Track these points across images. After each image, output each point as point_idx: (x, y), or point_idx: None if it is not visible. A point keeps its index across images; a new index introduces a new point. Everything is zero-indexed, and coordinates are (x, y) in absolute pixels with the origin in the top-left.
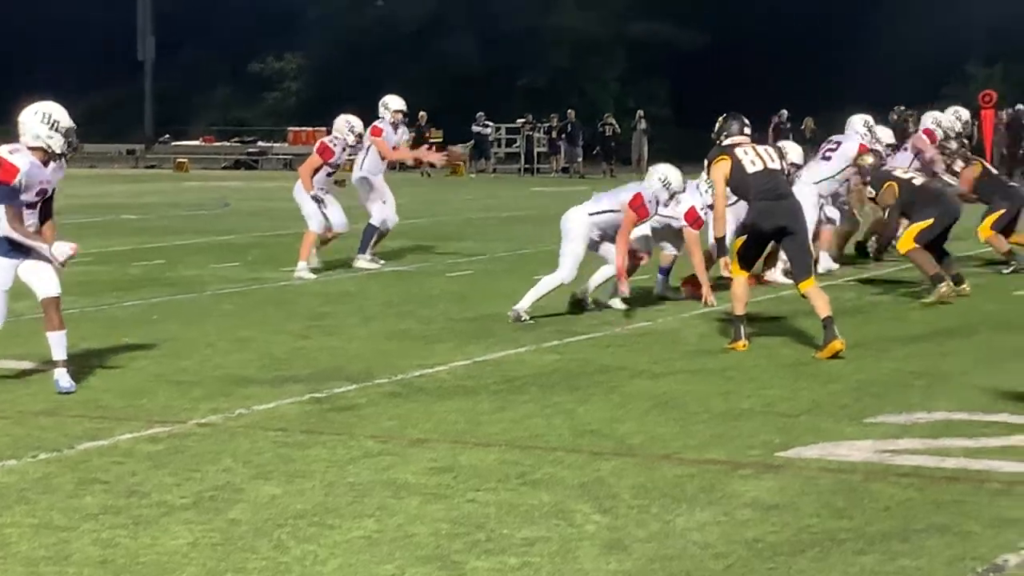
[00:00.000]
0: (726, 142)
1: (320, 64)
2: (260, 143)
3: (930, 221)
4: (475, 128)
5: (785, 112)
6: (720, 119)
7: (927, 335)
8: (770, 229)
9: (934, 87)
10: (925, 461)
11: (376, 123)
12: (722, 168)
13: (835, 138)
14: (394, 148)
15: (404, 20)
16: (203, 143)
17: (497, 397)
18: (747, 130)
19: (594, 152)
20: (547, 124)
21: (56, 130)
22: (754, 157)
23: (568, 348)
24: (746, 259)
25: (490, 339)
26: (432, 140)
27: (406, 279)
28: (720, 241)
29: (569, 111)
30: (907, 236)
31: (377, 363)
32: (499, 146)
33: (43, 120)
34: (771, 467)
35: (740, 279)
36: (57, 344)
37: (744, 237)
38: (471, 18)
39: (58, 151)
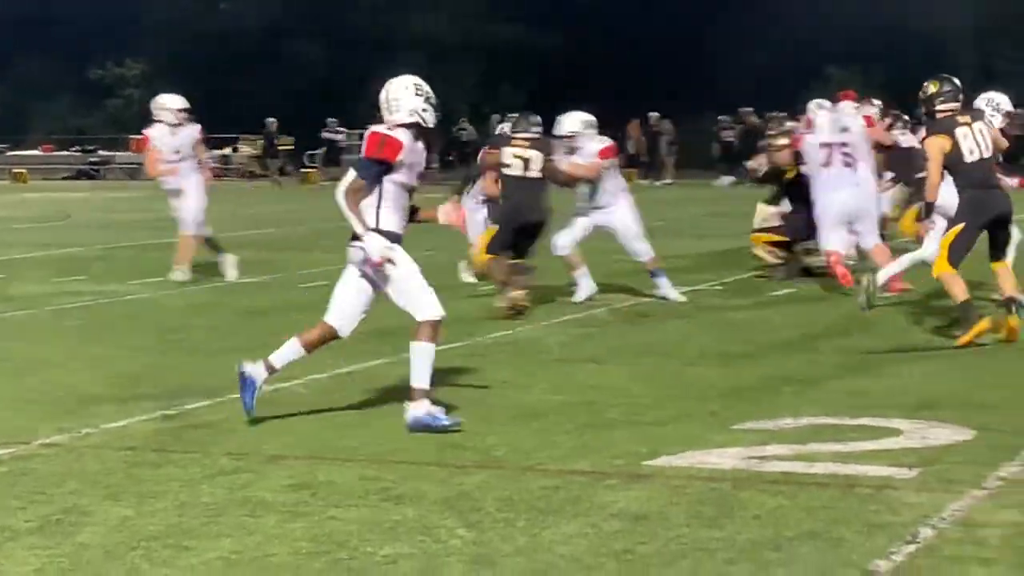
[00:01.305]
0: None
1: (163, 70)
2: (102, 152)
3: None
4: (326, 135)
5: (656, 114)
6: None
7: (795, 340)
8: None
9: (794, 89)
10: (794, 467)
11: (149, 128)
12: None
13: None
14: (176, 152)
15: (251, 25)
16: (42, 152)
17: (357, 410)
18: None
19: (449, 157)
20: None
21: (429, 102)
22: None
23: None
24: None
25: (349, 351)
26: (283, 147)
27: (260, 291)
28: None
29: None
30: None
31: (232, 378)
32: (352, 153)
33: (417, 92)
34: (638, 476)
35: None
36: None
37: None
38: (320, 23)
39: (431, 125)
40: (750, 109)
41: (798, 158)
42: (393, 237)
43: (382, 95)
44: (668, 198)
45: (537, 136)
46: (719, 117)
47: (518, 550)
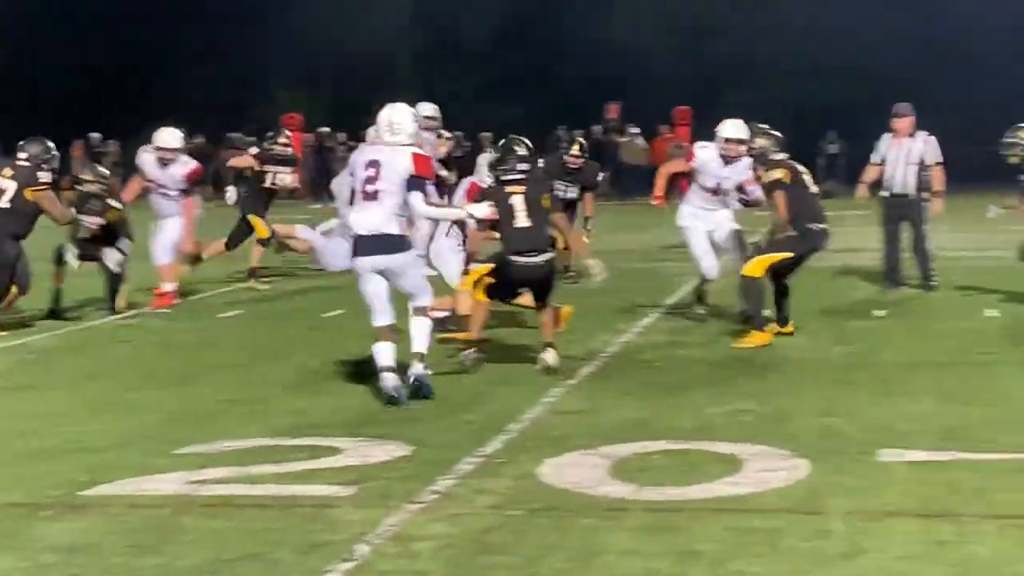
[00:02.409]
0: None
1: None
2: None
3: None
4: None
5: (98, 135)
6: None
7: (240, 362)
8: None
9: (240, 110)
10: (235, 490)
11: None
12: None
13: None
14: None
15: None
16: None
17: None
18: None
19: None
20: None
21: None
22: None
23: None
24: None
25: None
26: None
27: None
28: None
29: None
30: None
31: None
32: None
33: (414, 119)
34: (74, 507)
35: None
36: None
37: None
38: None
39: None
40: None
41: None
42: None
43: None
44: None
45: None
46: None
47: None
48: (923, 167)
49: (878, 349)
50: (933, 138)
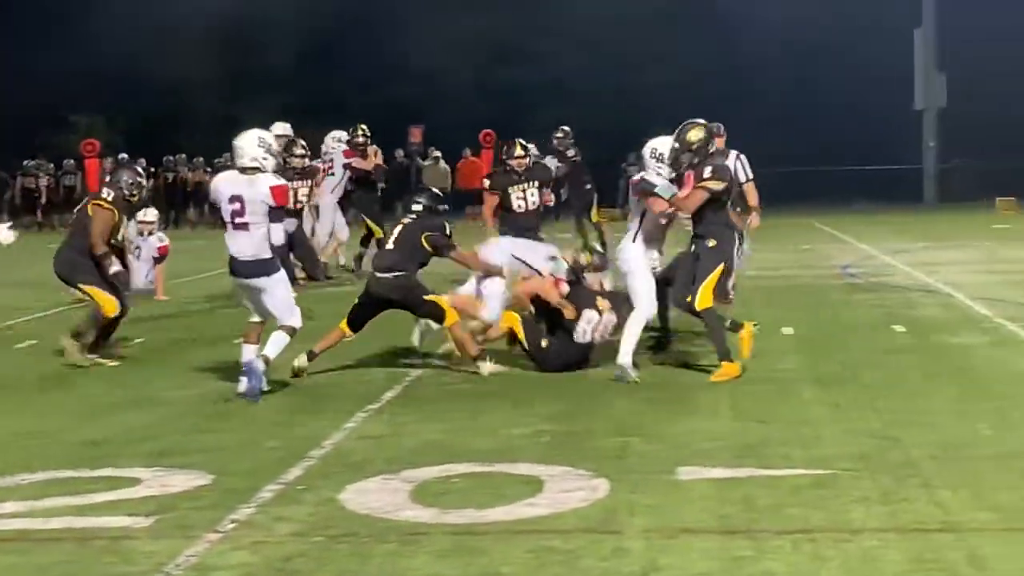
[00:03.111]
0: None
1: None
2: None
3: None
4: None
5: None
6: None
7: (24, 393)
8: None
9: (32, 136)
10: (29, 524)
11: None
12: None
13: None
14: None
15: None
16: None
17: None
18: None
19: None
20: None
21: (270, 153)
22: None
23: None
24: None
25: None
26: None
27: None
28: None
29: None
30: None
31: None
32: None
33: (260, 144)
34: None
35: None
36: None
37: None
38: None
39: (271, 171)
40: None
41: None
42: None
43: None
44: None
45: None
46: None
47: None
48: (736, 184)
49: (678, 368)
50: (744, 156)
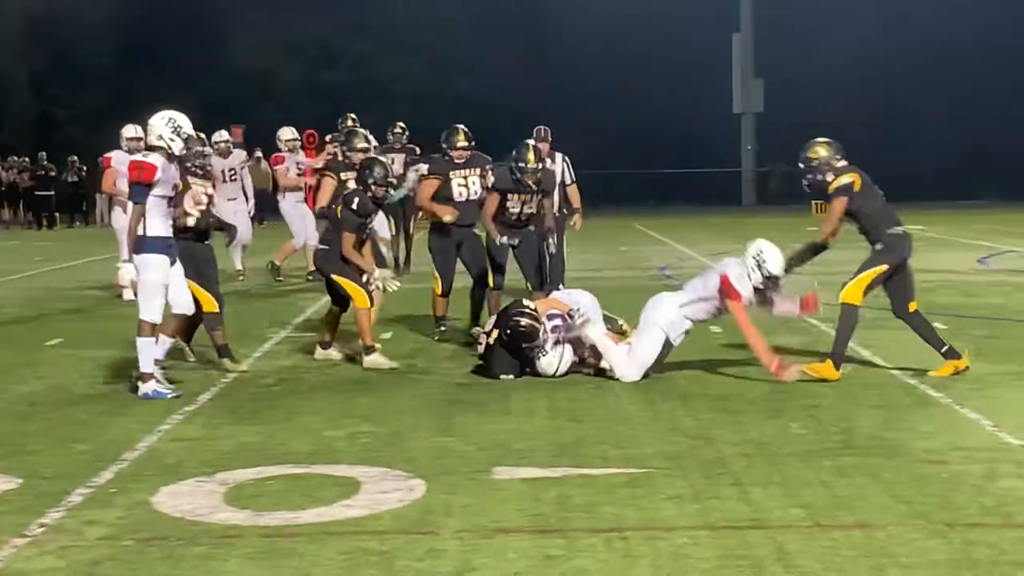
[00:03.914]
0: None
1: None
2: None
3: None
4: None
5: None
6: None
7: None
8: None
9: None
10: None
11: None
12: None
13: None
14: None
15: None
16: None
17: None
18: None
19: None
20: None
21: (178, 134)
22: None
23: None
24: None
25: None
26: None
27: None
28: None
29: None
30: None
31: None
32: None
33: (167, 123)
34: None
35: None
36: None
37: None
38: None
39: (177, 153)
40: None
41: None
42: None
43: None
44: None
45: None
46: None
47: None
48: (561, 186)
49: None
50: (567, 158)
